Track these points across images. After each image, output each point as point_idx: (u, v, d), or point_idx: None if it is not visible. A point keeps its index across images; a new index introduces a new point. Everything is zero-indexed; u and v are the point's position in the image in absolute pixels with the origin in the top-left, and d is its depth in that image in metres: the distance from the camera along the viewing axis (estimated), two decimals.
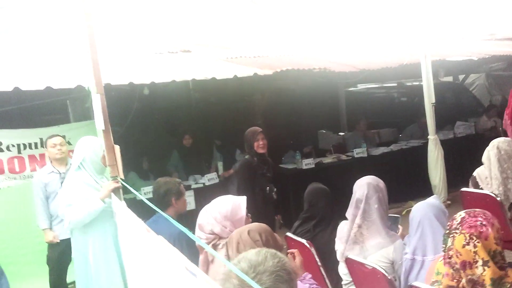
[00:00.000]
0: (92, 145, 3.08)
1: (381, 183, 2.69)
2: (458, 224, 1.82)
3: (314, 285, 1.91)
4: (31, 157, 4.22)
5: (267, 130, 7.28)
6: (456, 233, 1.80)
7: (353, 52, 6.93)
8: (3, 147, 4.25)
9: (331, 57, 6.34)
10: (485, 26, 8.87)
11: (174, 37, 6.89)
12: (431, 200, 2.44)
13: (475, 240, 1.75)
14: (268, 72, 4.92)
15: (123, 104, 5.79)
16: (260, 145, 3.96)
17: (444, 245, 1.89)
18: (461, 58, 6.93)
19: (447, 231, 1.86)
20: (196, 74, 4.77)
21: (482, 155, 3.87)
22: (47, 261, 3.86)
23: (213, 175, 5.22)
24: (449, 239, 1.85)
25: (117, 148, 2.83)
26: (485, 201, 3.43)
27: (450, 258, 1.85)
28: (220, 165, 5.71)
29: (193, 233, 2.46)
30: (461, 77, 10.36)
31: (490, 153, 3.58)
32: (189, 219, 4.08)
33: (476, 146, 6.45)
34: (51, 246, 3.75)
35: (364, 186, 2.63)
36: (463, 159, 6.54)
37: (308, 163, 5.75)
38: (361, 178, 2.73)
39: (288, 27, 7.36)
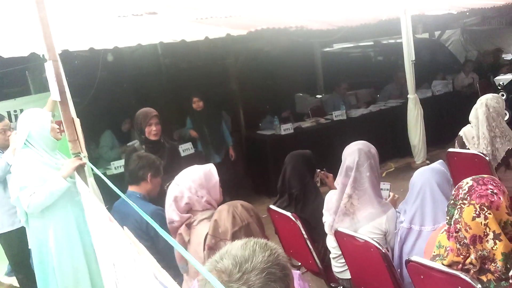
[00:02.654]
0: (37, 118, 2.67)
1: (372, 148, 2.49)
2: (465, 193, 1.64)
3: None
4: None
5: (242, 94, 7.10)
6: (464, 203, 1.63)
7: (330, 9, 6.63)
8: None
9: (307, 15, 6.03)
10: None
11: None
12: (435, 165, 2.25)
13: (486, 211, 1.58)
14: (242, 32, 4.59)
15: (86, 73, 5.38)
16: (152, 131, 3.43)
17: (448, 217, 1.72)
18: (441, 12, 6.74)
19: (452, 201, 1.69)
20: (164, 37, 4.39)
21: (461, 113, 3.73)
22: (12, 267, 3.47)
23: (188, 145, 4.95)
24: (456, 211, 1.68)
25: (77, 121, 2.53)
26: (473, 161, 3.32)
27: (457, 232, 1.68)
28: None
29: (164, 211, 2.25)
30: (437, 33, 10.23)
31: (478, 111, 3.40)
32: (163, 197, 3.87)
33: (454, 104, 6.45)
34: (9, 244, 3.29)
35: (355, 153, 2.43)
36: (441, 118, 6.50)
37: (286, 128, 5.56)
38: (350, 144, 2.52)
39: None
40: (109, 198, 3.10)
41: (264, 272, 1.00)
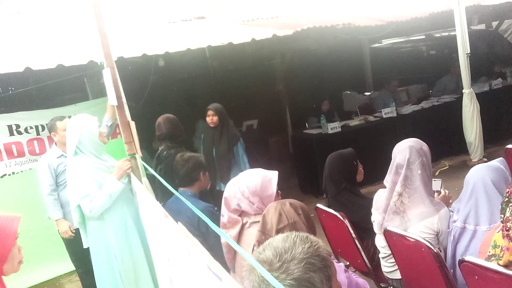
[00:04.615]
0: (86, 124, 2.77)
1: (424, 146, 2.41)
2: None
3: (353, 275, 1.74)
4: (50, 138, 4.09)
5: (289, 94, 7.11)
6: None
7: (378, 4, 6.48)
8: (22, 129, 4.16)
9: (354, 11, 5.94)
10: None
11: (187, 4, 6.61)
12: (493, 163, 2.15)
13: None
14: (288, 33, 4.62)
15: (140, 78, 5.65)
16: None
17: (502, 215, 1.66)
18: (497, 1, 6.37)
19: (506, 199, 1.63)
20: (212, 41, 4.51)
21: None
22: (73, 262, 3.63)
23: None
24: (508, 209, 1.62)
25: (132, 124, 2.67)
26: None
27: (508, 230, 1.62)
28: None
29: (219, 208, 2.32)
30: (494, 24, 9.65)
31: None
32: (214, 194, 3.96)
33: None
34: (70, 242, 3.44)
35: (406, 150, 2.36)
36: (499, 113, 6.15)
37: (333, 127, 5.50)
38: (401, 141, 2.45)
39: None
40: (162, 197, 3.26)
41: (303, 261, 1.04)
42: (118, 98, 2.63)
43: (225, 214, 2.16)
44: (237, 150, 4.17)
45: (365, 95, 7.68)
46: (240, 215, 2.17)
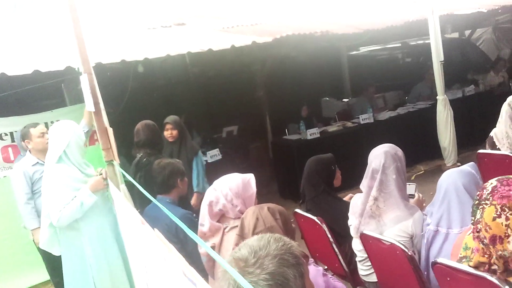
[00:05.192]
0: (76, 129, 2.77)
1: (399, 151, 2.49)
2: (488, 194, 1.64)
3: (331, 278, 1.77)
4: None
5: (269, 100, 7.16)
6: (486, 204, 1.63)
7: (355, 12, 6.62)
8: None
9: (332, 19, 6.05)
10: None
11: (166, 10, 6.61)
12: (464, 167, 2.23)
13: (508, 212, 1.57)
14: (268, 40, 4.67)
15: (119, 84, 5.60)
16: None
17: (473, 217, 1.72)
18: (470, 11, 6.59)
19: (476, 202, 1.69)
20: (192, 47, 4.52)
21: (491, 113, 3.68)
22: (49, 271, 3.54)
23: (215, 151, 5.05)
24: (478, 211, 1.68)
25: (110, 130, 2.66)
26: (504, 162, 3.25)
27: (478, 232, 1.68)
28: None
29: (197, 212, 2.33)
30: (467, 32, 9.98)
31: (503, 110, 3.40)
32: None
33: (485, 104, 6.28)
34: (45, 251, 3.19)
35: (381, 155, 2.43)
36: (473, 118, 6.35)
37: (313, 133, 5.58)
38: (377, 147, 2.52)
39: None
40: (140, 204, 3.23)
41: (277, 257, 1.09)
42: (96, 104, 2.61)
43: (205, 223, 2.17)
44: (197, 163, 4.01)
45: (344, 101, 7.81)
46: (219, 221, 2.18)
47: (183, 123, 4.21)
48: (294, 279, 1.09)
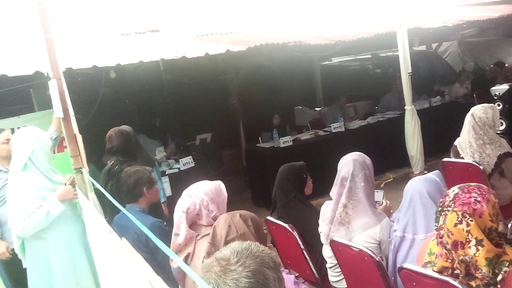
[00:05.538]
0: (41, 135, 2.71)
1: (367, 159, 2.55)
2: (450, 201, 1.71)
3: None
4: None
5: (242, 108, 7.20)
6: (448, 210, 1.70)
7: (327, 24, 6.77)
8: None
9: (305, 30, 6.15)
10: None
11: (140, 17, 6.56)
12: (429, 175, 2.31)
13: (468, 218, 1.64)
14: (242, 48, 4.71)
15: (90, 90, 5.51)
16: None
17: (436, 224, 1.78)
18: (436, 25, 6.86)
19: (440, 208, 1.76)
20: (165, 54, 4.50)
21: (456, 123, 3.83)
22: (12, 283, 3.29)
23: (188, 159, 5.02)
24: (441, 217, 1.75)
25: (79, 137, 2.61)
26: (468, 170, 3.38)
27: (441, 237, 1.75)
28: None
29: (168, 221, 2.31)
30: (434, 45, 10.36)
31: (466, 120, 3.55)
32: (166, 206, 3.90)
33: (450, 114, 6.52)
34: (7, 262, 3.12)
35: (350, 163, 2.49)
36: (439, 128, 6.56)
37: (285, 141, 5.63)
38: (346, 155, 2.58)
39: (259, 1, 7.12)
40: (112, 213, 3.17)
41: (258, 258, 1.13)
42: (65, 110, 2.56)
43: (181, 232, 2.15)
44: (156, 174, 3.85)
45: (316, 110, 7.93)
46: (191, 227, 2.18)
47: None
48: (274, 281, 1.12)
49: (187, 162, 4.97)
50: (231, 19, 6.82)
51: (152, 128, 5.93)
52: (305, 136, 6.08)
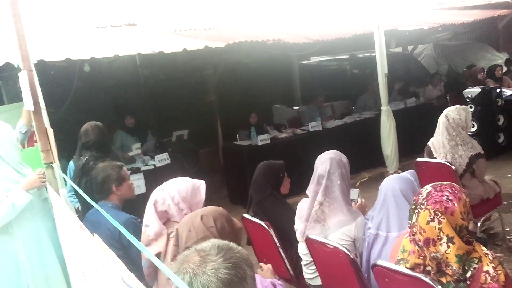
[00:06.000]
0: (4, 128, 2.63)
1: (344, 157, 2.58)
2: (423, 199, 1.74)
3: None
4: None
5: (220, 105, 7.16)
6: (421, 208, 1.73)
7: (307, 23, 6.79)
8: None
9: (284, 28, 6.16)
10: None
11: (117, 10, 6.43)
12: (403, 174, 2.35)
13: (440, 216, 1.67)
14: (220, 45, 4.67)
15: (63, 83, 5.36)
16: None
17: (409, 221, 1.81)
18: (413, 28, 6.99)
19: (413, 207, 1.79)
20: (142, 48, 4.42)
21: (430, 124, 3.91)
22: None
23: (164, 155, 4.95)
24: (414, 215, 1.78)
25: (50, 131, 2.53)
26: (440, 170, 3.45)
27: (414, 235, 1.77)
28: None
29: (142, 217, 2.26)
30: (410, 48, 10.57)
31: (440, 121, 3.63)
32: (141, 203, 3.84)
33: (425, 115, 6.66)
34: None
35: (327, 161, 2.51)
36: (413, 128, 6.70)
37: (263, 139, 5.63)
38: (323, 153, 2.60)
39: None
40: (86, 209, 3.09)
41: (238, 254, 1.13)
42: (35, 103, 2.47)
43: (150, 224, 2.12)
44: None
45: (294, 109, 7.97)
46: (164, 224, 2.14)
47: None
48: (251, 279, 1.12)
49: (163, 159, 4.90)
50: (210, 15, 6.77)
51: (132, 122, 5.83)
52: (282, 134, 6.09)
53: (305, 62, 9.66)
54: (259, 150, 5.50)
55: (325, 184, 2.46)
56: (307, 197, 2.59)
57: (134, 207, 3.08)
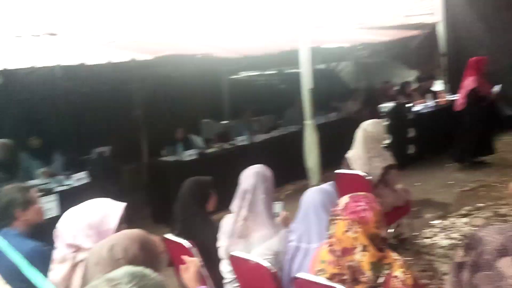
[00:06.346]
0: None
1: (268, 172, 2.64)
2: (341, 209, 1.83)
3: None
4: None
5: (146, 120, 6.97)
6: (339, 219, 1.82)
7: (235, 38, 6.90)
8: None
9: (214, 41, 6.20)
10: (354, 14, 9.63)
11: (37, 18, 6.06)
12: (323, 186, 2.46)
13: (356, 226, 1.77)
14: (148, 57, 4.58)
15: None
16: None
17: (328, 232, 1.90)
18: (336, 45, 7.37)
19: (331, 217, 1.87)
20: (62, 60, 4.20)
21: (350, 137, 4.15)
22: None
23: (82, 174, 4.67)
24: (332, 226, 1.86)
25: None
26: (357, 181, 3.66)
27: (332, 245, 1.86)
28: None
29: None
30: (333, 64, 11.12)
31: (358, 135, 3.85)
32: (52, 227, 3.58)
33: (345, 129, 7.02)
34: None
35: (252, 176, 2.55)
36: (335, 142, 7.01)
37: (190, 154, 5.57)
38: (248, 168, 2.64)
39: (164, 7, 7.02)
40: None
41: (152, 281, 1.06)
42: None
43: (58, 247, 1.95)
44: None
45: (222, 123, 8.00)
46: (76, 251, 1.98)
47: None
48: None
49: (81, 178, 4.62)
50: (137, 26, 6.62)
51: (37, 143, 5.44)
52: (210, 149, 6.08)
53: (235, 76, 9.78)
54: (186, 166, 5.41)
55: (249, 199, 2.50)
56: (231, 213, 2.61)
57: (45, 232, 2.85)
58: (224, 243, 2.54)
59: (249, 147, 6.20)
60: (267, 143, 6.44)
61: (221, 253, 2.57)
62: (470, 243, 1.75)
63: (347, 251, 1.80)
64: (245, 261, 2.35)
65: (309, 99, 6.17)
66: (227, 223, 2.59)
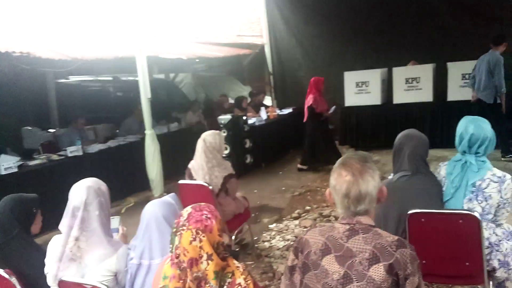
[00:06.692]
0: None
1: (103, 185, 2.39)
2: (185, 220, 1.78)
3: None
4: None
5: None
6: (184, 229, 1.76)
7: (63, 39, 6.27)
8: None
9: (36, 40, 5.50)
10: (190, 30, 9.87)
11: None
12: (165, 198, 2.33)
13: (201, 235, 1.74)
14: None
15: None
16: None
17: (171, 245, 1.81)
18: (173, 56, 7.38)
19: (174, 229, 1.80)
20: None
21: (191, 147, 4.18)
22: None
23: None
24: (176, 238, 1.79)
25: None
26: (200, 191, 3.67)
27: (177, 257, 1.79)
28: None
29: None
30: (172, 75, 11.12)
31: (198, 145, 3.90)
32: None
33: (186, 139, 7.08)
34: None
35: (83, 191, 2.28)
36: (176, 152, 7.01)
37: (8, 167, 4.76)
38: (78, 182, 2.35)
39: None
40: None
41: None
42: None
43: None
44: None
45: (49, 132, 7.15)
46: None
47: None
48: None
49: None
50: None
51: None
52: (35, 161, 5.33)
53: (63, 80, 8.87)
54: (3, 181, 4.63)
55: (81, 217, 2.23)
56: (60, 233, 2.29)
57: None
58: (52, 269, 2.20)
59: (82, 158, 5.67)
60: (103, 153, 6.00)
61: (49, 280, 2.22)
62: (298, 247, 1.92)
63: (194, 262, 1.75)
64: (79, 286, 2.09)
65: (148, 109, 6.00)
66: (55, 246, 2.26)
